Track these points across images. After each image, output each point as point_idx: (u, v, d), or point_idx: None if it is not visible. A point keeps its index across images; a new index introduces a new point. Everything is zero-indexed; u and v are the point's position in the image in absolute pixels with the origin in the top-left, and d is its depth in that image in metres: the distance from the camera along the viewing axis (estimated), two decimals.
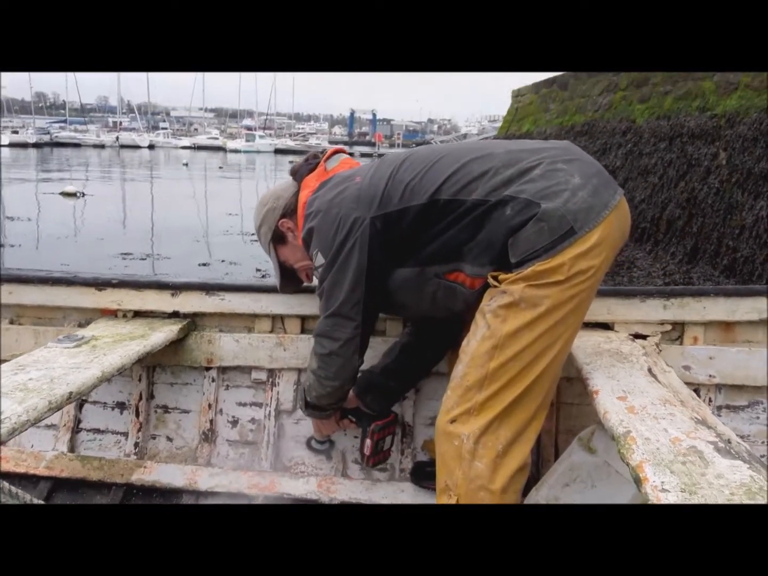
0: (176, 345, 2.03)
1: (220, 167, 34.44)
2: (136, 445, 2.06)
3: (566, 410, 1.99)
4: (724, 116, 7.69)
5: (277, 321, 2.07)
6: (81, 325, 2.06)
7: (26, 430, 1.29)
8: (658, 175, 8.90)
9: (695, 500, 0.96)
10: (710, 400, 1.89)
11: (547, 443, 1.97)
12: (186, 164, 34.90)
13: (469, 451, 1.36)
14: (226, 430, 2.08)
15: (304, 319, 2.05)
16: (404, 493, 1.90)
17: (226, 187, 24.42)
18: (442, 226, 1.43)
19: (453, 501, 1.38)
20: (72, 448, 2.07)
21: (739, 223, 6.72)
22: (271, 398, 2.07)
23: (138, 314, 2.06)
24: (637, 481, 1.08)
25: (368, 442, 1.80)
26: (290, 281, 1.85)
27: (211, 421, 2.07)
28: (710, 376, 1.87)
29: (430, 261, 1.47)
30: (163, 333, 1.91)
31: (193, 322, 2.07)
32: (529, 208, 1.34)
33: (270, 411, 2.06)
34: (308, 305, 2.00)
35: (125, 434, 2.08)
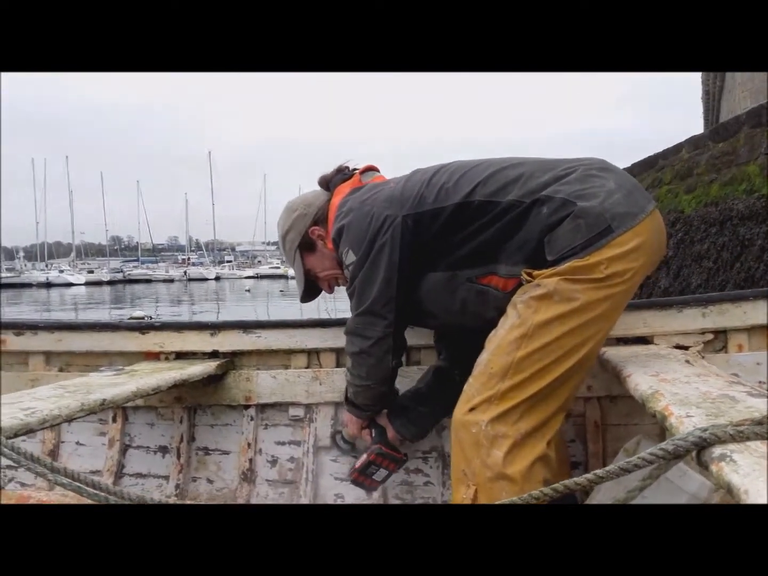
0: (216, 384, 2.08)
1: (281, 291, 35.55)
2: (177, 486, 2.06)
3: (613, 432, 1.90)
4: None
5: (313, 357, 2.10)
6: None
7: (58, 424, 1.33)
8: (713, 259, 8.71)
9: (720, 422, 0.91)
10: None
11: (595, 466, 1.87)
12: (248, 290, 36.29)
13: (488, 438, 1.30)
14: (265, 470, 2.07)
15: (338, 352, 2.07)
16: None
17: (287, 305, 25.06)
18: (475, 228, 1.42)
19: (471, 491, 1.31)
20: None
21: None
22: (308, 434, 2.06)
23: (180, 356, 2.13)
24: (663, 420, 1.03)
25: (363, 457, 1.74)
26: (311, 291, 1.83)
27: (251, 461, 2.06)
28: (760, 382, 1.77)
29: (463, 264, 1.45)
30: (200, 366, 1.96)
31: (232, 362, 2.12)
32: (565, 207, 1.34)
33: (308, 448, 2.05)
34: (342, 338, 2.01)
35: (167, 477, 2.09)
